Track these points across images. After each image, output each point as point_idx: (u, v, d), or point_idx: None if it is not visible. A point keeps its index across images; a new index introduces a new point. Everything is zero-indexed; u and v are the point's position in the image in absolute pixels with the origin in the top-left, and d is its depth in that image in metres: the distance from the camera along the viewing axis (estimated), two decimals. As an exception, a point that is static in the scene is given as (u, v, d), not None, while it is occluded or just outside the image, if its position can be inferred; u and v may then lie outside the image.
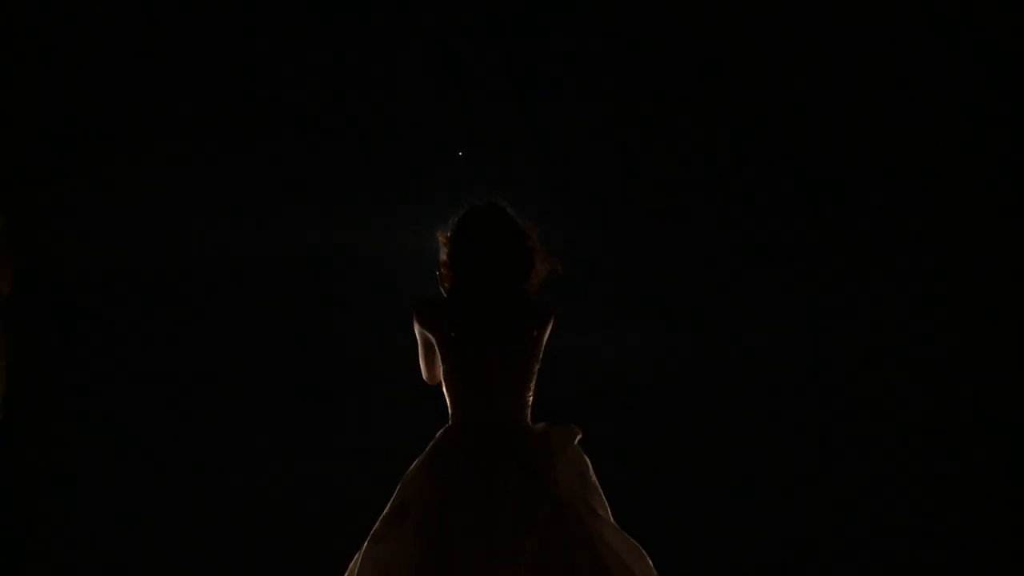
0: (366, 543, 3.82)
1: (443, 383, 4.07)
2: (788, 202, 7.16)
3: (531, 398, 4.04)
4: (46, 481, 7.40)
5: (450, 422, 4.02)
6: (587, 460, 4.01)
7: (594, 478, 4.01)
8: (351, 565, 3.86)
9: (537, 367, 4.04)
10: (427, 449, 3.97)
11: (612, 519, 3.95)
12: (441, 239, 4.11)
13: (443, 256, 4.10)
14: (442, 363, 4.02)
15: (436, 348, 4.00)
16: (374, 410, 7.40)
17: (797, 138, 7.00)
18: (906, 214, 6.88)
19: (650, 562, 3.86)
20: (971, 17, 6.45)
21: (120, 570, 7.09)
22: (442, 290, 4.09)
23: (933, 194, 6.81)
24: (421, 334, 4.04)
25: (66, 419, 7.44)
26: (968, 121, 6.67)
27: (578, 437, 3.98)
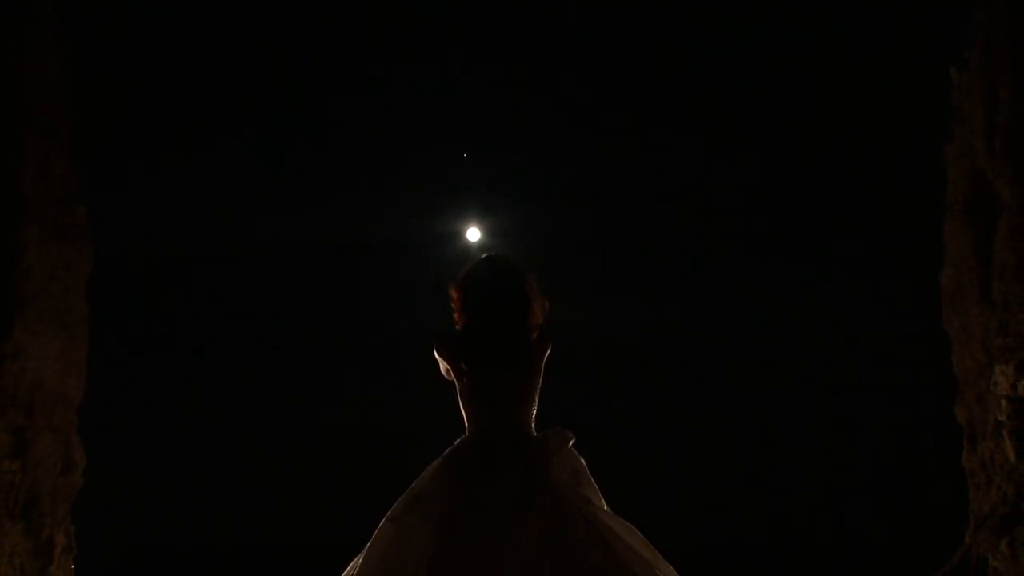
0: (384, 521, 3.82)
1: (459, 401, 4.07)
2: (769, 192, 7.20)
3: (535, 410, 4.04)
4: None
5: (465, 434, 4.02)
6: (580, 458, 4.00)
7: (588, 473, 3.98)
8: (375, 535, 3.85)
9: (539, 384, 4.04)
10: (444, 453, 3.96)
11: (605, 506, 3.92)
12: (452, 291, 4.09)
13: (455, 302, 4.10)
14: (456, 384, 4.03)
15: (451, 372, 4.02)
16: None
17: (776, 130, 7.04)
18: (868, 210, 6.93)
19: (642, 536, 3.82)
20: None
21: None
22: (456, 325, 4.10)
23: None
24: (439, 360, 4.06)
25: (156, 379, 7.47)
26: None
27: (571, 441, 3.96)
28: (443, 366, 4.04)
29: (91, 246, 6.41)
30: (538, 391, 4.02)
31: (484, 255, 4.14)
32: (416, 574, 3.60)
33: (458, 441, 3.99)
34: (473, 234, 12.18)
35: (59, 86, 6.05)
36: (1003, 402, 5.43)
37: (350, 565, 3.83)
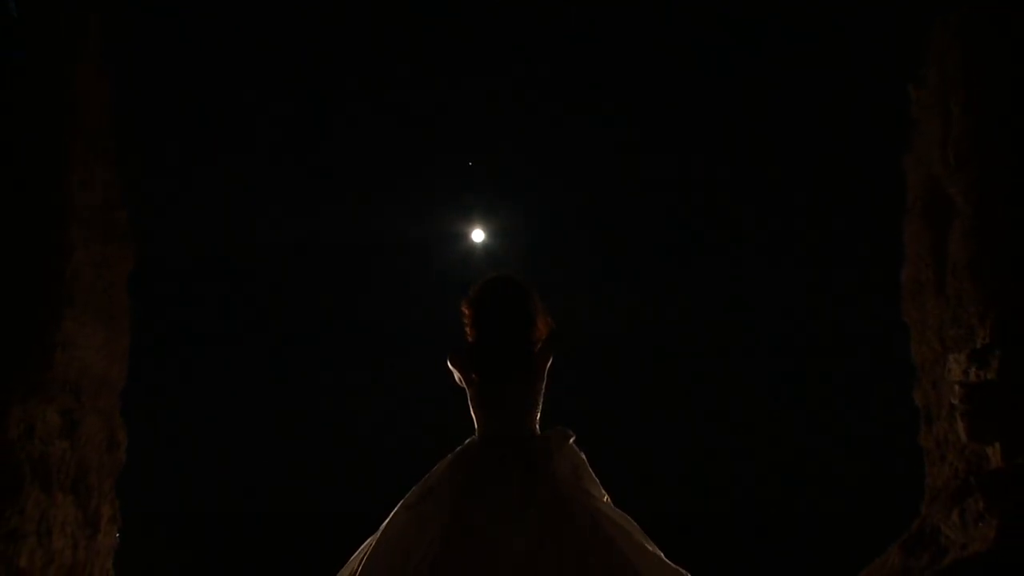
0: (398, 508, 3.91)
1: (469, 406, 4.15)
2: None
3: (538, 413, 4.10)
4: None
5: (475, 435, 4.12)
6: (581, 454, 4.07)
7: (588, 468, 4.05)
8: (383, 525, 3.88)
9: (542, 390, 4.10)
10: (455, 451, 4.05)
11: (606, 498, 3.99)
12: (464, 308, 4.18)
13: (466, 318, 4.20)
14: (467, 391, 4.12)
15: (463, 380, 4.12)
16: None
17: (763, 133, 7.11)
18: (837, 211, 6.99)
19: (636, 524, 3.89)
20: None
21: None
22: (468, 339, 4.19)
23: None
24: (452, 370, 4.15)
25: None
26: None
27: (572, 438, 4.04)
28: (456, 375, 4.12)
29: (131, 246, 6.54)
30: (541, 396, 4.09)
31: (493, 275, 4.23)
32: (426, 556, 3.67)
33: (468, 441, 4.08)
34: (477, 235, 12.30)
35: (103, 102, 6.20)
36: (956, 387, 5.50)
37: (364, 544, 3.91)
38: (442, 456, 4.00)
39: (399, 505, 3.93)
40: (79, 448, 6.04)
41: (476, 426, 4.15)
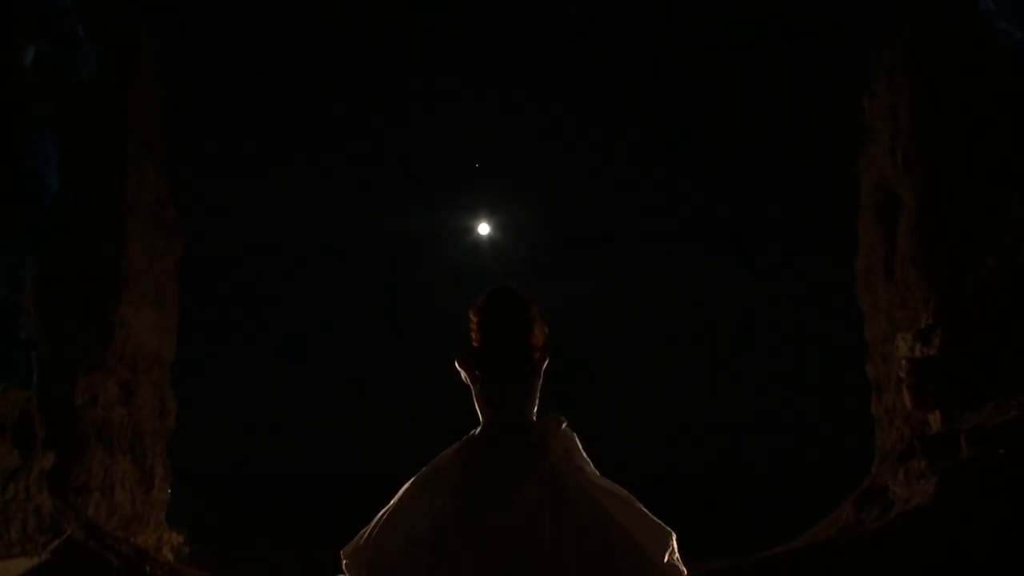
0: (409, 484, 4.13)
1: (474, 401, 4.39)
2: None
3: (536, 407, 4.35)
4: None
5: (480, 425, 4.44)
6: (574, 438, 4.28)
7: (580, 449, 4.25)
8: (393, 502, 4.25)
9: (539, 387, 4.33)
10: (462, 439, 4.26)
11: (596, 472, 4.33)
12: (471, 314, 4.44)
13: (472, 323, 4.45)
14: (472, 388, 4.34)
15: (469, 379, 4.42)
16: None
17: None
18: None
19: (623, 489, 4.20)
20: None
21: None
22: (474, 342, 4.49)
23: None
24: (459, 370, 4.43)
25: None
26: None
27: (564, 423, 4.34)
28: (462, 375, 4.37)
29: (180, 238, 6.86)
30: (538, 393, 4.33)
31: (497, 285, 4.38)
32: (434, 523, 3.98)
33: (472, 431, 4.36)
34: (484, 228, 12.61)
35: (156, 112, 6.52)
36: (903, 362, 5.62)
37: (379, 514, 4.15)
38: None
39: (410, 482, 3.98)
40: (135, 414, 6.38)
41: (481, 419, 4.38)
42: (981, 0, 3.14)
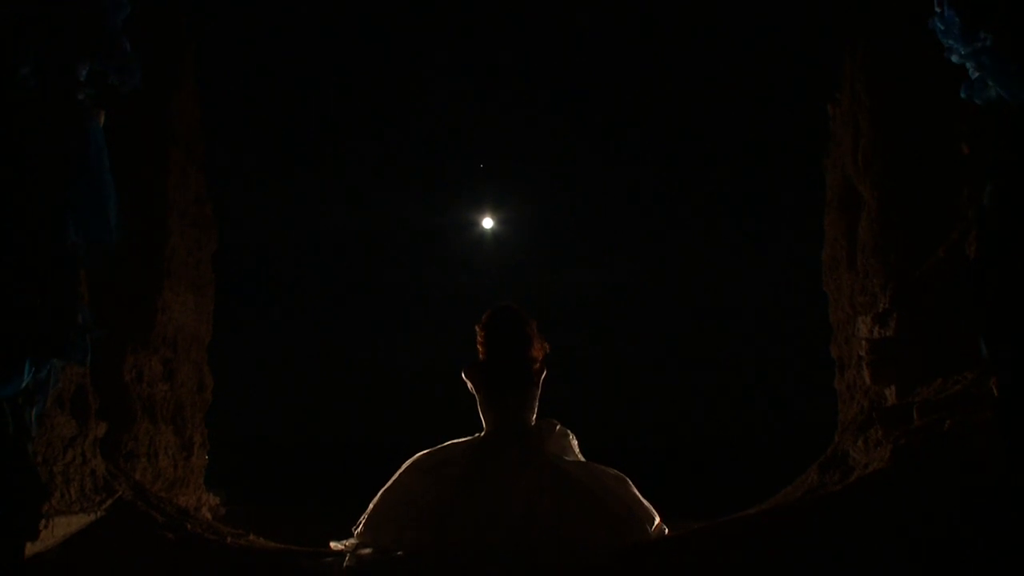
0: (411, 467, 4.08)
1: (479, 409, 4.35)
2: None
3: (534, 415, 4.31)
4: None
5: (482, 431, 4.35)
6: (570, 437, 4.30)
7: (574, 448, 4.27)
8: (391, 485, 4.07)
9: (537, 396, 4.30)
10: (466, 440, 4.25)
11: (590, 463, 4.22)
12: (478, 330, 4.39)
13: (479, 338, 4.42)
14: (477, 397, 4.35)
15: (474, 388, 4.37)
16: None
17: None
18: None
19: (610, 471, 4.10)
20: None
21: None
22: (479, 356, 4.44)
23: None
24: (466, 381, 4.38)
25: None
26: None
27: (557, 426, 4.29)
28: (469, 385, 4.35)
29: (215, 231, 6.94)
30: (537, 401, 4.33)
31: (501, 305, 4.37)
32: (440, 496, 3.83)
33: (477, 435, 4.32)
34: (487, 222, 12.70)
35: (196, 117, 6.58)
36: (863, 342, 5.70)
37: (379, 494, 4.06)
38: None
39: (409, 465, 4.11)
40: (176, 389, 6.49)
41: (484, 424, 4.36)
42: (930, 19, 3.24)
